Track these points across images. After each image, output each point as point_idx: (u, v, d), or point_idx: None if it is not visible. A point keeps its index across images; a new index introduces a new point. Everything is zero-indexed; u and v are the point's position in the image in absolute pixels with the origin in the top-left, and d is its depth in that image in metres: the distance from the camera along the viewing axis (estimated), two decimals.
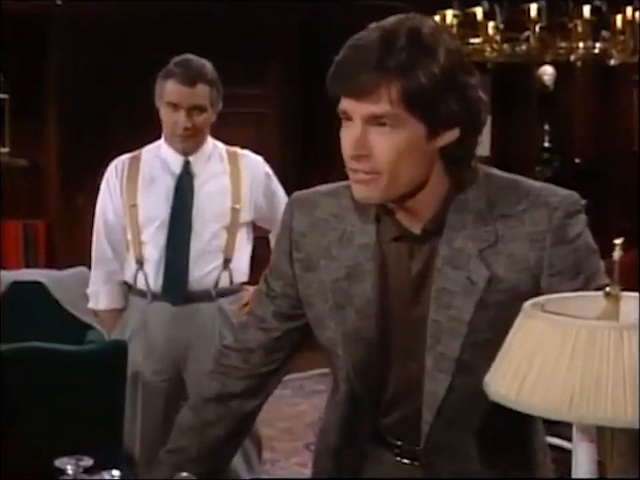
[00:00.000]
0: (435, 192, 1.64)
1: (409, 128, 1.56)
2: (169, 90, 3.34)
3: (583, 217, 1.66)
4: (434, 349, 1.65)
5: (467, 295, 1.62)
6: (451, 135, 1.59)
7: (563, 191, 1.67)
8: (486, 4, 6.12)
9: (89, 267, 3.61)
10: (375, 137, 1.56)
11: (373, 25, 1.59)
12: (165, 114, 3.37)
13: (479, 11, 6.11)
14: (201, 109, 3.35)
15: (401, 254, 1.68)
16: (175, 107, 3.33)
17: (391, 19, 1.59)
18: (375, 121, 1.55)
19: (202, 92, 3.35)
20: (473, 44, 6.16)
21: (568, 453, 1.40)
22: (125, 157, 3.50)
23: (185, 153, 3.43)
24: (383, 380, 1.71)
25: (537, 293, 1.58)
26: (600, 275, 1.64)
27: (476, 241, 1.63)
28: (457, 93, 1.57)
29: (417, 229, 1.67)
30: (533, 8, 6.01)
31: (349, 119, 1.58)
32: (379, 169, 1.57)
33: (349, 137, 1.58)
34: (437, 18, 5.83)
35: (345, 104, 1.58)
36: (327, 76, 1.60)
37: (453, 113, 1.57)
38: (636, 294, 1.35)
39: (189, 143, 3.40)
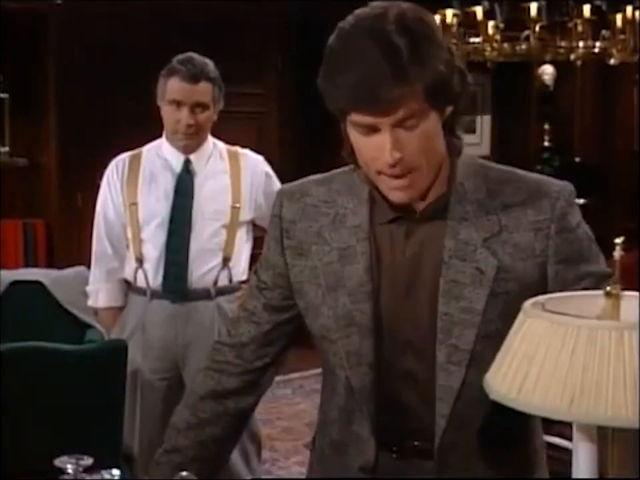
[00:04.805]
0: (442, 172, 1.66)
1: (430, 115, 1.57)
2: (172, 87, 3.34)
3: (577, 207, 1.70)
4: (445, 342, 1.64)
5: (478, 285, 1.63)
6: (451, 106, 1.62)
7: (558, 181, 1.70)
8: (486, 3, 6.11)
9: (89, 267, 3.60)
10: (404, 136, 1.55)
11: (352, 30, 1.54)
12: (168, 112, 3.37)
13: (478, 10, 6.10)
14: (203, 107, 3.36)
15: (396, 237, 1.68)
16: (177, 104, 3.34)
17: (364, 20, 1.54)
18: (402, 123, 1.54)
19: (205, 89, 3.36)
20: (473, 43, 6.15)
21: (568, 452, 1.40)
22: (126, 155, 3.51)
23: (187, 151, 3.43)
24: (379, 369, 1.69)
25: (544, 282, 1.63)
26: (601, 260, 1.68)
27: (480, 231, 1.64)
28: (454, 67, 1.58)
29: (413, 212, 1.67)
30: (533, 7, 5.99)
31: (374, 130, 1.56)
32: (414, 166, 1.58)
33: (378, 145, 1.56)
34: (437, 17, 5.82)
35: (367, 119, 1.55)
36: (332, 98, 1.56)
37: (455, 88, 1.59)
38: (636, 293, 1.35)
39: (192, 140, 3.40)
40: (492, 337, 1.59)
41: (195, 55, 3.41)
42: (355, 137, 1.60)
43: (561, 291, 1.63)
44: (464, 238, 1.64)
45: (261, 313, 1.82)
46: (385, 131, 1.55)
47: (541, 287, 1.63)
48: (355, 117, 1.56)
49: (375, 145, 1.57)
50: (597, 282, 1.63)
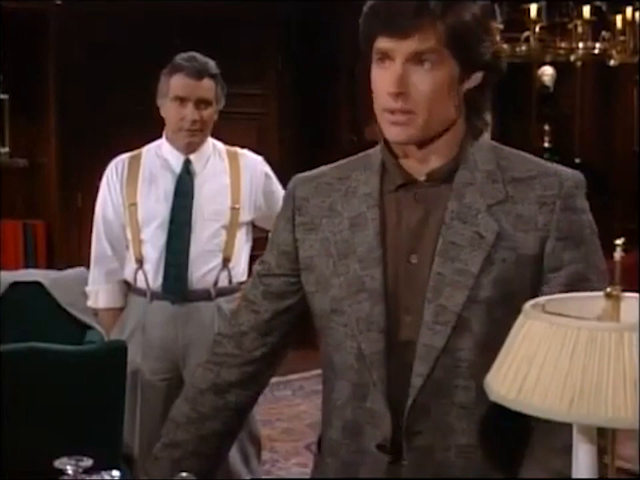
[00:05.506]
0: (453, 139, 1.69)
1: (447, 67, 1.61)
2: (176, 84, 3.35)
3: (585, 197, 1.71)
4: (434, 302, 1.64)
5: (475, 249, 1.64)
6: (477, 79, 1.65)
7: (572, 169, 1.72)
8: None
9: (89, 267, 3.60)
10: (415, 75, 1.60)
11: None
12: (171, 109, 3.37)
13: None
14: (207, 103, 3.37)
15: (403, 203, 1.70)
16: (181, 100, 3.34)
17: None
18: (417, 58, 1.59)
19: (208, 86, 3.37)
20: None
21: None
22: (125, 156, 3.51)
23: (188, 150, 3.43)
24: (389, 337, 1.68)
25: (541, 258, 1.64)
26: (600, 253, 1.69)
27: (485, 197, 1.66)
28: (487, 35, 1.63)
29: (421, 176, 1.70)
30: (533, 8, 6.00)
31: (388, 58, 1.62)
32: (414, 108, 1.61)
33: (388, 75, 1.62)
34: None
35: (386, 44, 1.61)
36: (362, 16, 1.64)
37: (483, 54, 1.63)
38: (636, 295, 1.34)
39: (195, 137, 3.40)
40: (480, 303, 1.62)
41: (196, 54, 3.42)
42: (374, 72, 1.65)
43: (553, 270, 1.65)
44: (468, 202, 1.66)
45: (260, 301, 1.84)
46: (398, 60, 1.60)
47: (537, 262, 1.65)
48: (377, 44, 1.62)
49: (387, 76, 1.61)
50: (587, 269, 1.64)
